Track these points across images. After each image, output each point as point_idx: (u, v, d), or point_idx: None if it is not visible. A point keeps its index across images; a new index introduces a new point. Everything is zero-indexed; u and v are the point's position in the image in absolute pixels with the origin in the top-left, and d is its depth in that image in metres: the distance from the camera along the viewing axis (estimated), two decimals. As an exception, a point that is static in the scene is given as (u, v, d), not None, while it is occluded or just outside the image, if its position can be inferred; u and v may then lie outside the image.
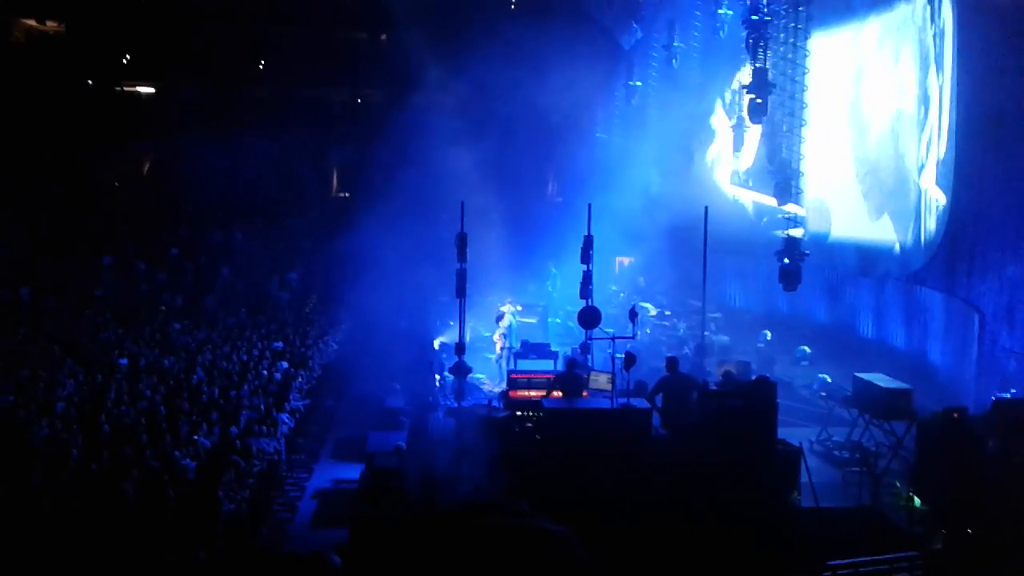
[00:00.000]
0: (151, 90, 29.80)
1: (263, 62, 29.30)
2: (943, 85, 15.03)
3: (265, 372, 15.29)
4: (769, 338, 17.72)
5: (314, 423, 14.93)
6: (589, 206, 14.97)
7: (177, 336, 17.98)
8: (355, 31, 29.96)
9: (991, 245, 13.87)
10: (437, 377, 15.85)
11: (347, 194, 29.52)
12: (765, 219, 20.28)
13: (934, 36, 15.38)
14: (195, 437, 11.89)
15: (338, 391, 16.69)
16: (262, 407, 13.41)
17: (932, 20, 15.46)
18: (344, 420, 15.28)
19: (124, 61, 29.11)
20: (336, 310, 20.03)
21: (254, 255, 23.79)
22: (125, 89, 29.57)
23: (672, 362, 12.51)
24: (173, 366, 15.47)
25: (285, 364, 15.76)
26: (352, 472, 12.48)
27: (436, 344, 17.72)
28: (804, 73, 17.70)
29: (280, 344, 17.32)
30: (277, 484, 12.20)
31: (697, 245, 15.45)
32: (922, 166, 15.87)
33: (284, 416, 13.44)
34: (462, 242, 14.46)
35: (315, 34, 28.28)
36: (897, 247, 16.75)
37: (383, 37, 29.92)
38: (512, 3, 28.24)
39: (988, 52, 13.66)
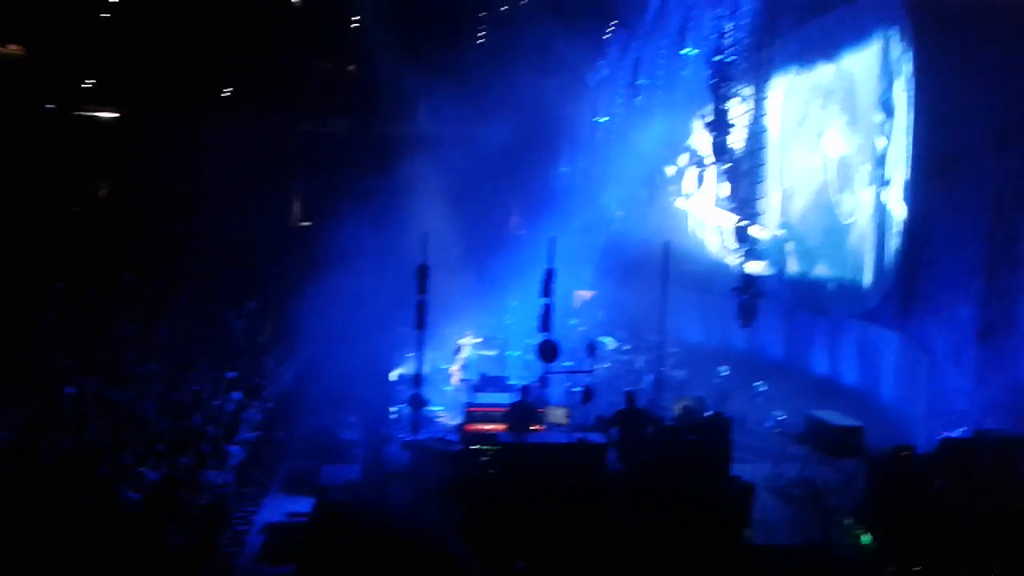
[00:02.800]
0: (113, 115, 29.54)
1: (228, 90, 29.21)
2: (897, 130, 15.38)
3: (217, 402, 15.05)
4: (725, 373, 17.81)
5: (265, 455, 14.67)
6: (551, 240, 15.04)
7: (128, 364, 17.66)
8: (322, 61, 30.00)
9: (943, 286, 14.11)
10: (393, 409, 15.72)
11: (309, 223, 29.40)
12: (726, 255, 20.52)
13: (888, 83, 15.75)
14: (141, 469, 11.63)
15: (291, 423, 16.45)
16: (213, 438, 13.18)
17: (887, 68, 15.84)
18: (296, 452, 15.04)
19: (86, 86, 28.85)
20: (293, 340, 19.83)
21: (212, 283, 23.52)
22: (86, 114, 29.28)
23: (630, 396, 12.55)
24: (122, 395, 15.17)
25: (238, 394, 15.52)
26: (303, 506, 12.28)
27: (393, 376, 17.58)
28: (763, 114, 18.06)
29: (234, 374, 17.06)
30: (225, 518, 11.94)
31: (657, 280, 15.56)
32: (874, 207, 16.19)
33: (235, 448, 13.21)
34: (423, 273, 14.46)
35: (281, 63, 28.26)
36: (850, 286, 17.00)
37: (350, 68, 30.01)
38: (479, 38, 28.48)
39: (943, 98, 14.01)
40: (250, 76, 28.23)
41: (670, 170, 23.70)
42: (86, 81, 28.78)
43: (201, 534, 10.82)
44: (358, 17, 28.08)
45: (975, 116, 13.35)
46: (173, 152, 24.75)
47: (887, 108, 15.79)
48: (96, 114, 29.48)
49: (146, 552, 9.73)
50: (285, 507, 12.71)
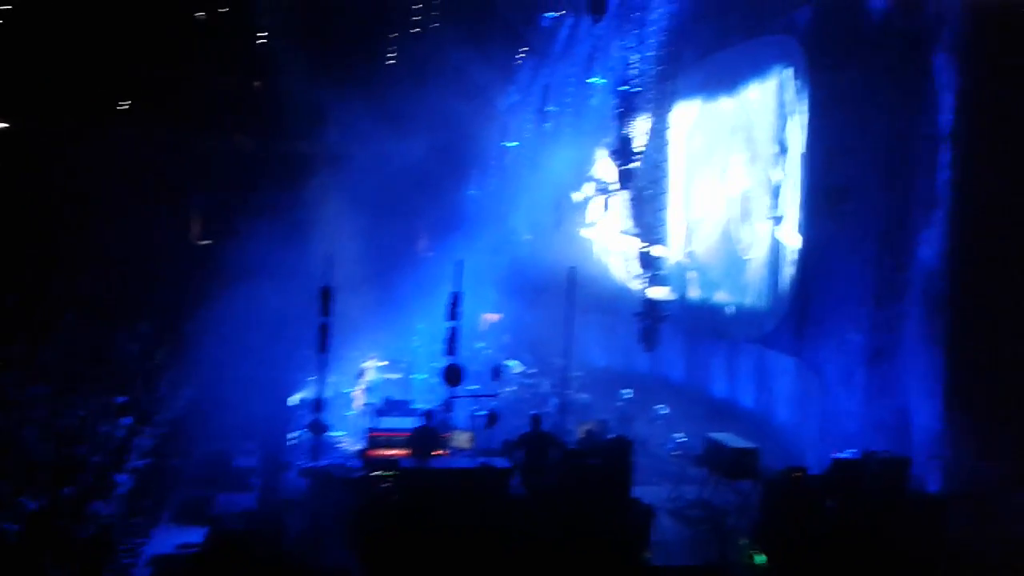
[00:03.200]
0: (3, 125, 28.14)
1: (126, 102, 28.22)
2: (793, 164, 15.99)
3: (105, 428, 14.37)
4: (628, 397, 18.05)
5: (156, 483, 14.07)
6: (458, 263, 15.02)
7: (10, 387, 16.70)
8: (226, 75, 29.33)
9: (834, 313, 14.69)
10: (293, 435, 15.33)
11: (209, 241, 28.56)
12: (630, 280, 20.89)
13: (785, 119, 16.38)
14: (20, 498, 10.98)
15: (185, 449, 15.84)
16: (99, 466, 12.57)
17: (784, 104, 16.48)
18: (190, 480, 14.47)
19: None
20: (189, 363, 19.13)
21: (102, 302, 22.53)
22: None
23: (535, 419, 12.56)
24: (2, 420, 14.32)
25: (128, 420, 14.86)
26: (195, 536, 11.80)
27: (294, 400, 17.16)
28: (667, 144, 18.53)
29: (123, 398, 16.33)
30: (110, 550, 11.37)
31: (563, 304, 15.70)
32: (771, 236, 16.76)
33: (123, 476, 12.63)
34: (326, 295, 14.23)
35: (183, 76, 27.48)
36: (748, 311, 17.51)
37: (256, 83, 29.41)
38: (389, 59, 28.36)
39: (834, 134, 14.66)
40: (149, 89, 27.34)
41: (577, 196, 24.03)
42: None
43: (84, 568, 10.28)
44: (265, 33, 27.60)
45: (864, 151, 13.99)
46: (64, 165, 23.66)
47: (783, 143, 16.41)
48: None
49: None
50: (176, 538, 12.19)
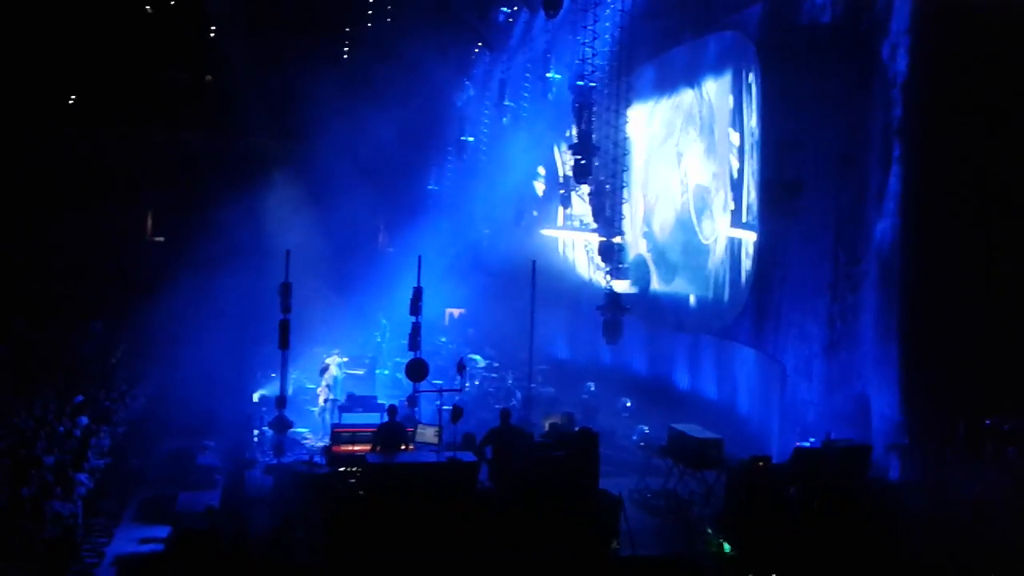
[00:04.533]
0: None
1: (73, 97, 27.58)
2: (749, 158, 16.24)
3: (62, 428, 14.09)
4: (593, 389, 18.19)
5: (117, 483, 13.82)
6: (419, 257, 14.99)
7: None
8: (178, 70, 28.84)
9: (792, 303, 14.97)
10: (256, 432, 15.18)
11: (163, 238, 28.12)
12: (592, 273, 21.05)
13: (739, 114, 16.61)
14: (-24, 502, 10.74)
15: (145, 448, 15.59)
16: (58, 466, 12.32)
17: (737, 100, 16.71)
18: (152, 479, 14.23)
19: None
20: (146, 361, 18.81)
21: (54, 302, 22.06)
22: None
23: (504, 414, 12.57)
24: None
25: (85, 419, 14.58)
26: (159, 535, 11.63)
27: (256, 397, 16.97)
28: (625, 139, 18.68)
29: (80, 397, 16.02)
30: (72, 551, 11.16)
31: (525, 297, 15.77)
32: (729, 230, 17.01)
33: (82, 476, 12.39)
34: (286, 291, 14.10)
35: (133, 71, 26.94)
36: (709, 304, 17.76)
37: (208, 78, 28.97)
38: (344, 54, 28.13)
39: (787, 128, 14.90)
40: (97, 84, 26.76)
41: (537, 189, 24.12)
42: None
43: (47, 568, 10.10)
44: (215, 28, 27.17)
45: (817, 145, 14.26)
46: (10, 161, 23.06)
47: (739, 137, 16.66)
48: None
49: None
50: (139, 537, 12.00)
